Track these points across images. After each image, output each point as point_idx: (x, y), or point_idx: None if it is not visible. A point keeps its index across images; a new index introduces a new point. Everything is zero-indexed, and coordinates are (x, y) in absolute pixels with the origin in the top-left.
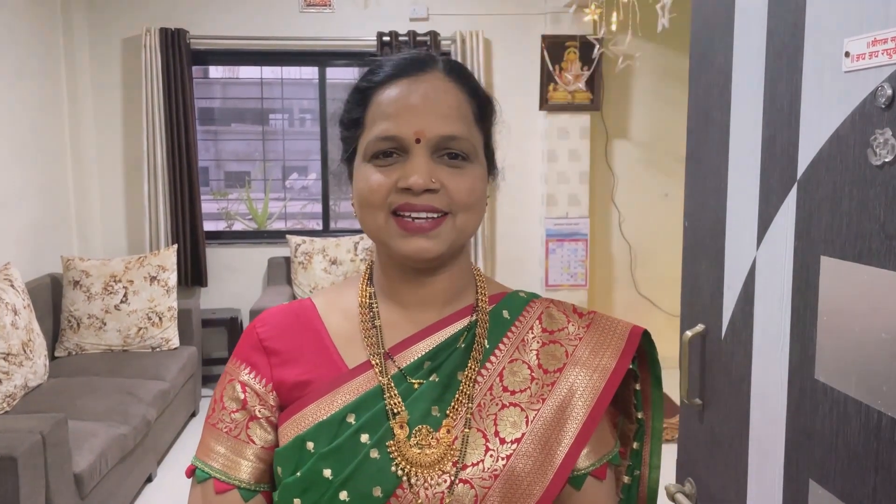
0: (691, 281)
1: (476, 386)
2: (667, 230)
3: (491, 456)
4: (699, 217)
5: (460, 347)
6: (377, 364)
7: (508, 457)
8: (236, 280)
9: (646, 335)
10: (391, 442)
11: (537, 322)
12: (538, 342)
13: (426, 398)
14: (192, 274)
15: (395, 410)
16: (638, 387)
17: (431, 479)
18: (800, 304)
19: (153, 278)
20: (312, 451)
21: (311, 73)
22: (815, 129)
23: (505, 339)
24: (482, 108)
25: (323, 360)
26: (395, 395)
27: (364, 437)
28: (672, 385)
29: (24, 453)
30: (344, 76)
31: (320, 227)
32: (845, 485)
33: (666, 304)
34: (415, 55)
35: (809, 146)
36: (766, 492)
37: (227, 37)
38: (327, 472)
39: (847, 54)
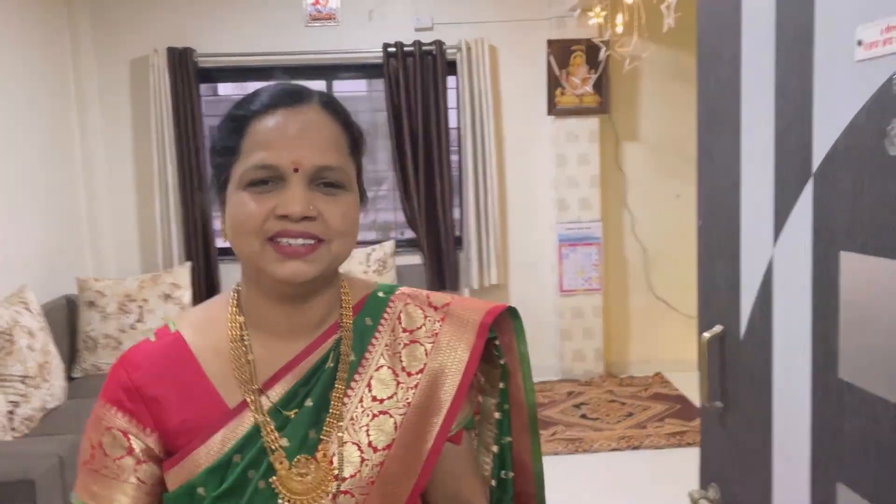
0: (707, 281)
1: (346, 401)
2: (681, 231)
3: (366, 465)
4: (713, 216)
5: (329, 367)
6: (252, 402)
7: (382, 463)
8: None
9: (511, 310)
10: (274, 478)
11: (398, 323)
12: (401, 344)
13: (303, 424)
14: (207, 290)
15: (273, 447)
16: (497, 342)
17: (313, 500)
18: (820, 302)
19: (167, 296)
20: (204, 494)
21: (318, 87)
22: (830, 122)
23: (370, 348)
24: (355, 140)
25: (204, 402)
26: (270, 430)
27: (251, 474)
28: (693, 388)
29: (41, 476)
30: (351, 89)
31: None
32: (877, 487)
33: (683, 307)
34: (291, 88)
35: (824, 139)
36: (793, 496)
37: (234, 53)
38: None
39: (860, 42)
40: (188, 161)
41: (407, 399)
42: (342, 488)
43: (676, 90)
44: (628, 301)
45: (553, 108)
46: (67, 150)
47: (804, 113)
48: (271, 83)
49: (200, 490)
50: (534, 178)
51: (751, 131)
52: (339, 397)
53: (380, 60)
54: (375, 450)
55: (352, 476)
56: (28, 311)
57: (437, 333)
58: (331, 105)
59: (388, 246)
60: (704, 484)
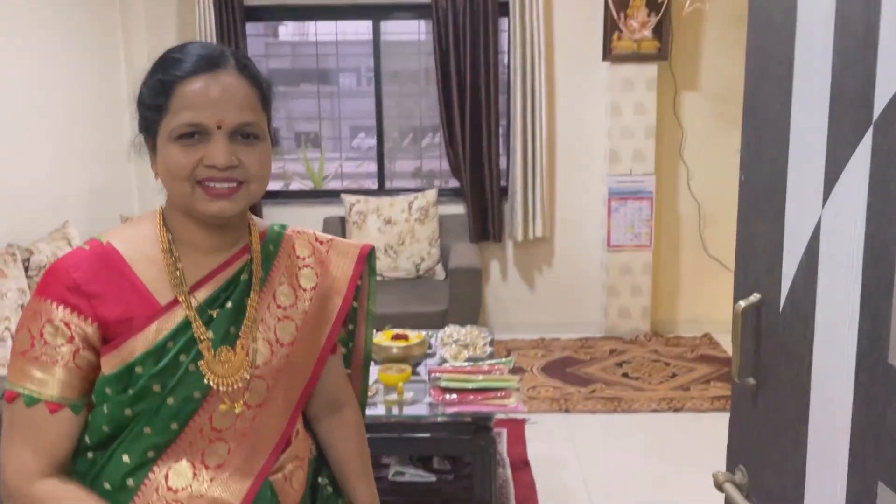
0: (746, 244)
1: (258, 307)
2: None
3: (275, 356)
4: (756, 171)
5: (244, 279)
6: (183, 301)
7: (287, 355)
8: None
9: (371, 252)
10: (202, 361)
11: (292, 251)
12: (296, 267)
13: (224, 322)
14: None
15: (201, 337)
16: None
17: (234, 383)
18: (872, 274)
19: None
20: (141, 373)
21: (366, 27)
22: None
23: (273, 269)
24: (265, 95)
25: (138, 299)
26: (199, 324)
27: (182, 358)
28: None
29: None
30: (400, 30)
31: (375, 187)
32: None
33: None
34: (209, 53)
35: (889, 81)
36: (827, 489)
37: None
38: (157, 387)
39: None
40: None
41: (304, 308)
42: (256, 374)
43: (741, 36)
44: (679, 259)
45: (609, 54)
46: (114, 88)
47: (867, 50)
48: (189, 44)
49: (138, 369)
50: (585, 127)
51: (803, 73)
52: (252, 304)
53: (429, 0)
54: (282, 345)
55: (264, 364)
56: (70, 246)
57: (324, 261)
58: (244, 67)
59: (431, 194)
60: (731, 466)
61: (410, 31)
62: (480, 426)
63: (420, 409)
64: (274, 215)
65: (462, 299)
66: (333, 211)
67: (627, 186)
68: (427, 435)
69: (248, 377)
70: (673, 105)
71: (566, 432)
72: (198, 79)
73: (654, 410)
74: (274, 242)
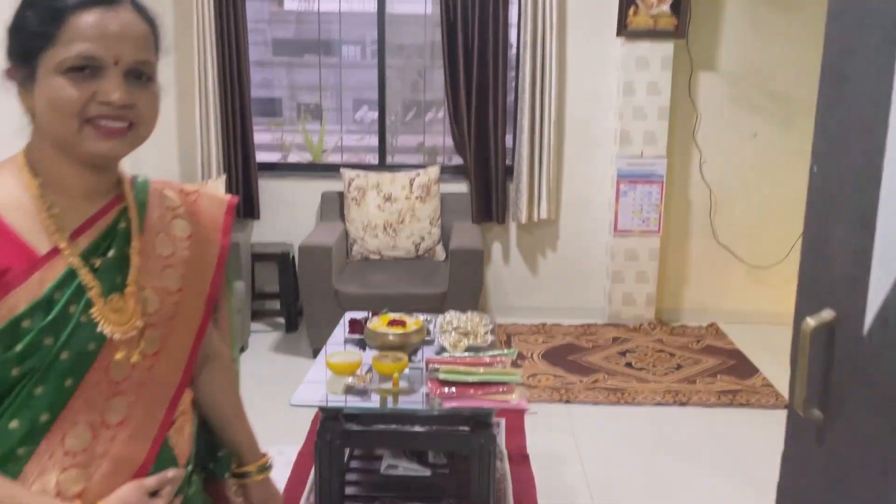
0: (816, 247)
1: (141, 256)
2: (753, 174)
3: (165, 304)
4: (835, 159)
5: (122, 227)
6: (66, 248)
7: (176, 302)
8: (289, 214)
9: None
10: (93, 309)
11: (160, 202)
12: (168, 217)
13: (110, 270)
14: (245, 206)
15: (90, 285)
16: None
17: (129, 330)
18: None
19: None
20: (29, 327)
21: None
22: None
23: (147, 217)
24: (157, 37)
25: (13, 250)
26: (86, 272)
27: (72, 308)
28: (751, 342)
29: None
30: (407, 1)
31: (376, 162)
32: None
33: (746, 255)
34: None
35: None
36: None
37: None
38: (48, 341)
39: None
40: (229, 68)
41: (184, 257)
42: (149, 322)
43: (764, 15)
44: (688, 245)
45: (624, 29)
46: None
47: None
48: None
49: (25, 323)
50: (596, 106)
51: None
52: (135, 252)
53: None
54: (170, 292)
55: (155, 312)
56: None
57: (195, 211)
58: (139, 7)
59: (433, 171)
60: None
61: (417, 2)
62: (480, 421)
63: (416, 402)
64: (270, 188)
65: (463, 282)
66: (331, 185)
67: (637, 169)
68: (423, 429)
69: (141, 325)
70: (688, 85)
71: (567, 424)
72: (94, 10)
73: (659, 403)
74: (142, 193)
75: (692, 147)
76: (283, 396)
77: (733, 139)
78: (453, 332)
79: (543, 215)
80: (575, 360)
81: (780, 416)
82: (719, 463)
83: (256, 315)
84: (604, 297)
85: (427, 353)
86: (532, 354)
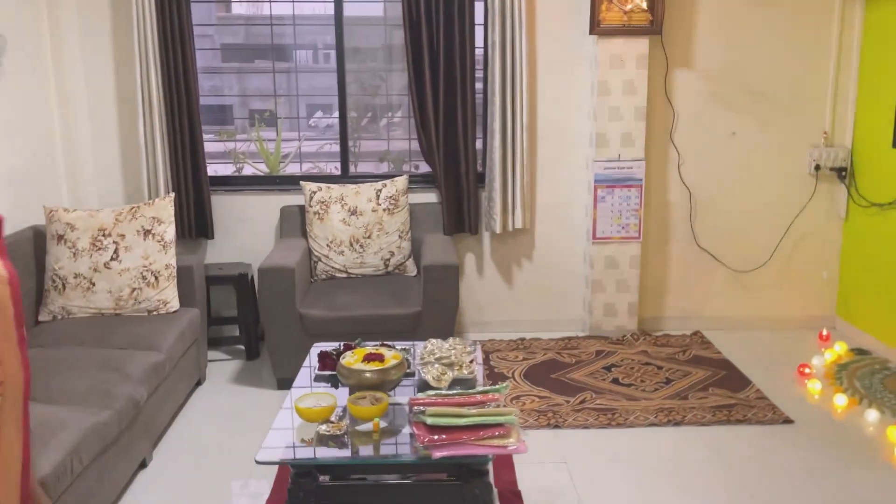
0: None
1: None
2: (732, 174)
3: None
4: None
5: None
6: None
7: None
8: (246, 232)
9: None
10: None
11: None
12: None
13: None
14: (197, 225)
15: None
16: None
17: None
18: None
19: (147, 232)
20: None
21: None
22: None
23: None
24: None
25: None
26: None
27: None
28: (738, 351)
29: None
30: (363, 2)
31: (338, 172)
32: None
33: (728, 259)
34: None
35: None
36: None
37: None
38: None
39: None
40: (176, 72)
41: None
42: None
43: (740, 10)
44: (668, 251)
45: (596, 26)
46: (38, 58)
47: None
48: None
49: None
50: (570, 108)
51: None
52: None
53: None
54: None
55: None
56: None
57: None
58: None
59: (401, 182)
60: None
61: (374, 4)
62: (473, 469)
63: (401, 452)
64: (224, 204)
65: (438, 300)
66: (291, 199)
67: (615, 173)
68: (407, 479)
69: None
70: (664, 84)
71: (557, 451)
72: None
73: (653, 424)
74: None
75: (670, 148)
76: (245, 435)
77: (711, 139)
78: (436, 364)
79: (518, 224)
80: (559, 379)
81: (780, 431)
82: (722, 486)
83: (213, 342)
84: (584, 309)
85: (408, 390)
86: (513, 373)
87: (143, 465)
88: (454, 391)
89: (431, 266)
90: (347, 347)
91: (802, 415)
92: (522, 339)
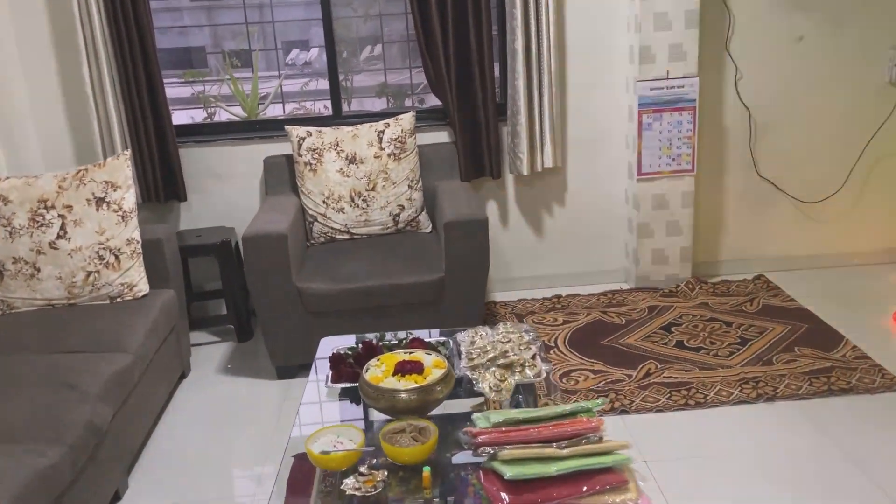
0: None
1: None
2: (798, 88)
3: None
4: None
5: None
6: None
7: None
8: (225, 190)
9: None
10: None
11: None
12: None
13: None
14: (166, 185)
15: None
16: None
17: None
18: None
19: (100, 200)
20: None
21: None
22: None
23: None
24: None
25: None
26: None
27: None
28: (814, 296)
29: None
30: None
31: (329, 112)
32: None
33: (793, 188)
34: None
35: None
36: None
37: None
38: None
39: None
40: (123, 9)
41: None
42: None
43: None
44: (723, 183)
45: None
46: None
47: None
48: None
49: None
50: (605, 17)
51: None
52: None
53: None
54: None
55: None
56: None
57: None
58: None
59: (407, 120)
60: None
61: None
62: None
63: None
64: (196, 158)
65: (464, 262)
66: (276, 148)
67: (663, 94)
68: None
69: None
70: None
71: (633, 451)
72: None
73: (740, 401)
74: None
75: (725, 61)
76: (241, 440)
77: (774, 47)
78: (490, 367)
79: (549, 163)
80: (612, 345)
81: (893, 400)
82: (836, 475)
83: (198, 323)
84: (628, 257)
85: (453, 403)
86: (555, 341)
87: (116, 497)
88: (525, 414)
89: (455, 222)
90: (369, 349)
91: None
92: (558, 297)
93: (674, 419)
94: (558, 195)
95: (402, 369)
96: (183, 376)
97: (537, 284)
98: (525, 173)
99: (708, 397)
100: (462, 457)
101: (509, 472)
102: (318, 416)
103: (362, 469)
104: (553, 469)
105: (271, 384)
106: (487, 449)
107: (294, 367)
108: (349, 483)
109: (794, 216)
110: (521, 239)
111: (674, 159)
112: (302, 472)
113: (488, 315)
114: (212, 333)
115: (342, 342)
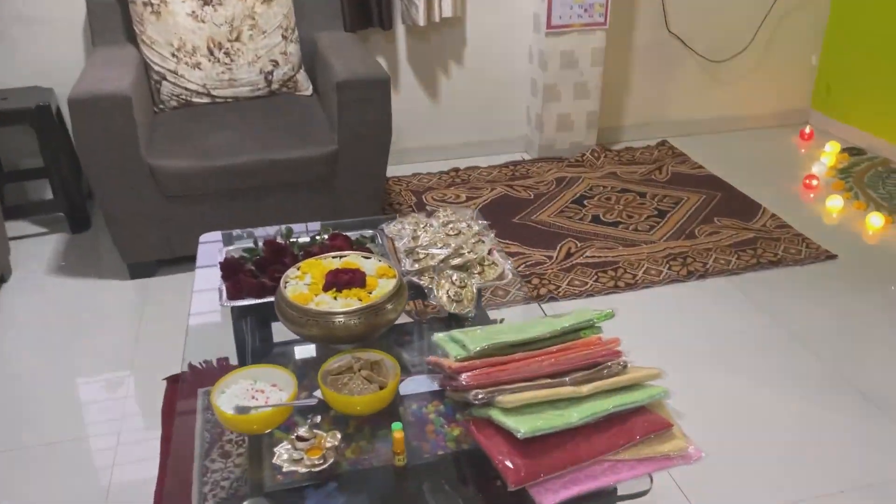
0: None
1: None
2: None
3: None
4: None
5: None
6: None
7: None
8: (36, 39)
9: None
10: None
11: None
12: None
13: None
14: None
15: None
16: None
17: None
18: None
19: None
20: None
21: None
22: None
23: None
24: None
25: None
26: None
27: None
28: (723, 163)
29: None
30: None
31: None
32: None
33: (700, 46)
34: None
35: None
36: None
37: None
38: None
39: None
40: None
41: None
42: None
43: None
44: (632, 41)
45: None
46: None
47: None
48: None
49: None
50: None
51: None
52: None
53: None
54: None
55: None
56: None
57: None
58: None
59: None
60: None
61: None
62: None
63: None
64: None
65: (363, 132)
66: None
67: None
68: None
69: None
70: None
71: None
72: None
73: (673, 280)
74: None
75: None
76: (93, 357)
77: None
78: (446, 271)
79: (447, 12)
80: (524, 224)
81: (825, 271)
82: (779, 352)
83: (15, 212)
84: (531, 124)
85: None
86: None
87: None
88: (517, 335)
89: (350, 82)
90: (275, 251)
91: (839, 244)
92: (457, 171)
93: (606, 303)
94: (456, 52)
95: (338, 282)
96: (2, 279)
97: (432, 157)
98: (421, 24)
99: (637, 277)
100: (413, 384)
101: (522, 427)
102: (210, 344)
103: (302, 432)
104: (575, 416)
105: (123, 286)
106: (480, 394)
107: (151, 263)
108: (284, 455)
109: (699, 77)
110: (414, 104)
111: (586, 10)
112: (177, 399)
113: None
114: (35, 223)
115: (230, 241)
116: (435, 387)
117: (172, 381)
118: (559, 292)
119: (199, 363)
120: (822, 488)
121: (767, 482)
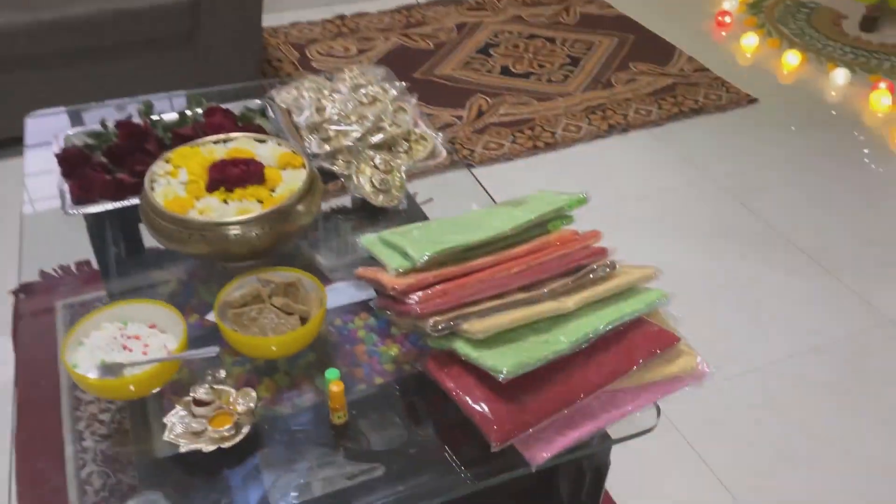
0: None
1: None
2: None
3: None
4: None
5: None
6: None
7: None
8: None
9: None
10: None
11: None
12: None
13: None
14: None
15: None
16: None
17: None
18: None
19: None
20: None
21: None
22: None
23: None
24: None
25: None
26: None
27: None
28: (689, 43)
29: None
30: None
31: None
32: None
33: None
34: None
35: None
36: None
37: None
38: None
39: None
40: None
41: None
42: None
43: None
44: None
45: None
46: None
47: None
48: None
49: None
50: None
51: None
52: None
53: None
54: None
55: None
56: None
57: None
58: None
59: None
60: None
61: None
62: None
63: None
64: None
65: None
66: None
67: None
68: None
69: None
70: None
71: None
72: None
73: (595, 137)
74: None
75: None
76: None
77: None
78: (366, 152)
79: None
80: (427, 79)
81: (749, 116)
82: (714, 206)
83: None
84: None
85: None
86: None
87: None
88: (469, 235)
89: None
90: (134, 134)
91: (758, 86)
92: (342, 18)
93: (527, 167)
94: None
95: (227, 178)
96: None
97: (312, 2)
98: None
99: (557, 135)
100: (334, 294)
101: (504, 365)
102: (59, 243)
103: (202, 393)
104: (564, 341)
105: None
106: (440, 323)
107: None
108: (178, 426)
109: None
110: None
111: None
112: (30, 316)
113: None
114: None
115: (68, 123)
116: (362, 297)
117: (26, 293)
118: (475, 157)
119: (53, 269)
120: (771, 354)
121: (717, 355)
